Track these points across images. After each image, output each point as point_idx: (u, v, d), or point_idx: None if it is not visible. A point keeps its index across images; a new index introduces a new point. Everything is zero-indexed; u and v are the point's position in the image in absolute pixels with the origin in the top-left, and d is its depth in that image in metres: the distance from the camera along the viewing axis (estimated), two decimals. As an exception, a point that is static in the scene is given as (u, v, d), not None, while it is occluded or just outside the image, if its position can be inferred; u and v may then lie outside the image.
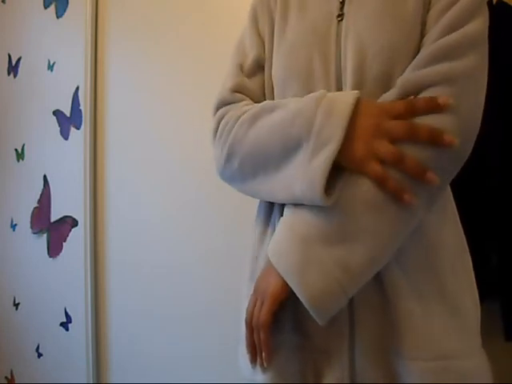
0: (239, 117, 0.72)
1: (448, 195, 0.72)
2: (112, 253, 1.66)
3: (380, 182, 0.59)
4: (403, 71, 0.65)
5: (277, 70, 0.77)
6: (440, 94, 0.60)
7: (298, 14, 0.75)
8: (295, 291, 0.60)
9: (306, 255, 0.60)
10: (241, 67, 0.80)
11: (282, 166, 0.66)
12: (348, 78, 0.67)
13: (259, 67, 0.80)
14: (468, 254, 0.71)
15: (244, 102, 0.76)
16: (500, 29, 0.94)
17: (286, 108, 0.67)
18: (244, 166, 0.71)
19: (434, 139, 0.58)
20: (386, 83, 0.66)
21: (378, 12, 0.68)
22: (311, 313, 0.60)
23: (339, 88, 0.68)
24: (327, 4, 0.72)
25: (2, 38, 2.05)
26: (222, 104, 0.77)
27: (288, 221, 0.65)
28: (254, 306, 0.66)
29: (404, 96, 0.62)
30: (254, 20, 0.83)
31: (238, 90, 0.78)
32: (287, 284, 0.61)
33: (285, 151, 0.65)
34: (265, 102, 0.73)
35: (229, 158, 0.72)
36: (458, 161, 0.63)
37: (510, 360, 1.02)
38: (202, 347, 1.41)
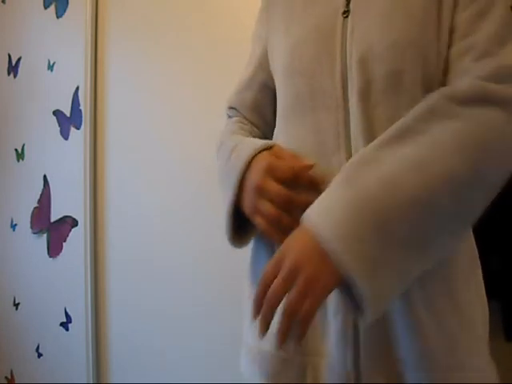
0: (221, 138, 0.82)
1: None
2: (112, 253, 1.66)
3: (264, 232, 0.66)
4: (413, 69, 0.64)
5: (279, 66, 0.76)
6: (493, 115, 0.58)
7: (303, 11, 0.75)
8: (361, 289, 0.52)
9: (383, 254, 0.53)
10: (240, 83, 0.87)
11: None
12: (354, 76, 0.66)
13: (255, 83, 0.84)
14: (479, 265, 0.70)
15: (235, 119, 0.85)
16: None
17: (223, 158, 0.75)
18: None
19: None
20: (394, 81, 0.65)
21: (386, 8, 0.67)
22: (365, 312, 0.53)
23: (345, 86, 0.67)
24: (332, 0, 0.71)
25: (2, 38, 2.05)
26: (226, 114, 0.89)
27: (358, 205, 0.54)
28: (296, 293, 0.53)
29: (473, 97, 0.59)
30: (259, 24, 0.85)
31: (233, 106, 0.87)
32: (342, 277, 0.53)
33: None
34: (227, 138, 0.80)
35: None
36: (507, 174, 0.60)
37: (510, 360, 1.02)
38: (202, 347, 1.41)
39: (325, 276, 0.53)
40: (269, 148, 0.70)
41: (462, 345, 0.64)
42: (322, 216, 0.55)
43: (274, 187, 0.65)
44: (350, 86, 0.67)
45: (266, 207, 0.65)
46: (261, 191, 0.65)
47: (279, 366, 0.69)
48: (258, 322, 0.57)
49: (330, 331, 0.66)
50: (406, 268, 0.55)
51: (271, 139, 0.79)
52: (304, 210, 0.57)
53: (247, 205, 0.68)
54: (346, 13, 0.69)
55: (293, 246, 0.56)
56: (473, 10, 0.65)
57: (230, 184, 0.69)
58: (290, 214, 0.63)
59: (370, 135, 0.65)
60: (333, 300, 0.65)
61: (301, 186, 0.65)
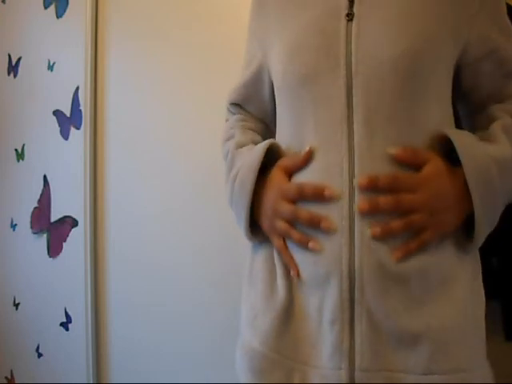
0: (225, 142, 0.85)
1: None
2: (112, 253, 1.65)
3: (279, 248, 0.71)
4: (429, 74, 0.64)
5: (278, 71, 0.73)
6: None
7: (297, 9, 0.71)
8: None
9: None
10: (243, 79, 0.86)
11: None
12: (360, 84, 0.64)
13: (258, 80, 0.83)
14: (480, 268, 0.70)
15: (237, 117, 0.87)
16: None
17: (230, 175, 0.78)
18: None
19: (313, 222, 0.66)
20: (407, 90, 0.63)
21: (397, 13, 0.64)
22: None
23: (349, 94, 0.64)
24: (331, 0, 0.68)
25: (2, 38, 2.05)
26: (227, 108, 0.91)
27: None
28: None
29: None
30: (253, 20, 0.83)
31: (235, 102, 0.89)
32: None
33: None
34: (235, 147, 0.81)
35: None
36: None
37: (510, 360, 1.02)
38: (202, 347, 1.41)
39: (458, 197, 0.64)
40: (275, 152, 0.73)
41: (464, 345, 0.64)
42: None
43: (284, 206, 0.69)
44: (355, 94, 0.64)
45: (279, 225, 0.69)
46: (276, 212, 0.70)
47: (266, 366, 0.69)
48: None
49: (324, 341, 0.65)
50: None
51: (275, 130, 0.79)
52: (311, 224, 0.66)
53: (264, 222, 0.73)
54: (350, 16, 0.65)
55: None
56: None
57: (241, 218, 0.74)
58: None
59: (375, 150, 0.63)
60: (329, 309, 0.65)
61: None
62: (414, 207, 0.62)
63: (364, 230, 0.63)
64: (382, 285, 0.62)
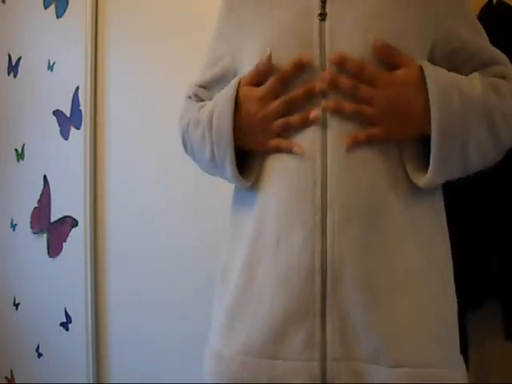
0: (188, 122, 0.80)
1: (440, 207, 0.72)
2: (112, 253, 1.66)
3: (280, 149, 0.68)
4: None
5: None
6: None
7: (271, 11, 0.72)
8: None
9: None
10: (201, 79, 0.87)
11: (214, 168, 0.76)
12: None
13: (220, 83, 0.81)
14: (452, 264, 0.71)
15: (198, 104, 0.83)
16: (500, 29, 0.94)
17: (203, 121, 0.74)
18: (193, 159, 0.83)
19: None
20: None
21: (366, 13, 0.66)
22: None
23: (323, 92, 0.66)
24: (304, 0, 0.69)
25: (2, 38, 2.05)
26: (186, 97, 0.89)
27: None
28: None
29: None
30: (223, 24, 0.81)
31: (195, 95, 0.87)
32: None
33: (210, 161, 0.75)
34: (198, 110, 0.78)
35: (184, 146, 0.83)
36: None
37: (510, 360, 1.02)
38: (203, 347, 1.41)
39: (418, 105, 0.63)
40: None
41: (435, 342, 0.64)
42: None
43: (276, 104, 0.67)
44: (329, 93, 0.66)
45: (277, 123, 0.68)
46: (266, 116, 0.68)
47: (236, 368, 0.70)
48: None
49: (294, 335, 0.65)
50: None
51: None
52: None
53: (255, 141, 0.70)
54: (323, 16, 0.67)
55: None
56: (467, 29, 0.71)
57: (224, 148, 0.70)
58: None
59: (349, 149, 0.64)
60: (299, 305, 0.65)
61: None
62: (368, 99, 0.63)
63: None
64: (353, 276, 0.64)
